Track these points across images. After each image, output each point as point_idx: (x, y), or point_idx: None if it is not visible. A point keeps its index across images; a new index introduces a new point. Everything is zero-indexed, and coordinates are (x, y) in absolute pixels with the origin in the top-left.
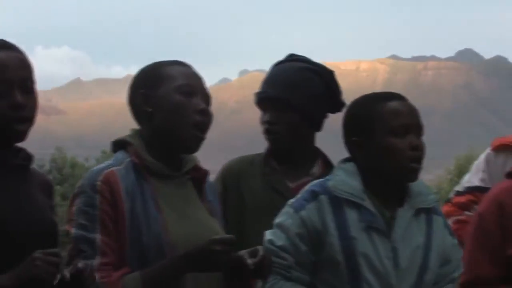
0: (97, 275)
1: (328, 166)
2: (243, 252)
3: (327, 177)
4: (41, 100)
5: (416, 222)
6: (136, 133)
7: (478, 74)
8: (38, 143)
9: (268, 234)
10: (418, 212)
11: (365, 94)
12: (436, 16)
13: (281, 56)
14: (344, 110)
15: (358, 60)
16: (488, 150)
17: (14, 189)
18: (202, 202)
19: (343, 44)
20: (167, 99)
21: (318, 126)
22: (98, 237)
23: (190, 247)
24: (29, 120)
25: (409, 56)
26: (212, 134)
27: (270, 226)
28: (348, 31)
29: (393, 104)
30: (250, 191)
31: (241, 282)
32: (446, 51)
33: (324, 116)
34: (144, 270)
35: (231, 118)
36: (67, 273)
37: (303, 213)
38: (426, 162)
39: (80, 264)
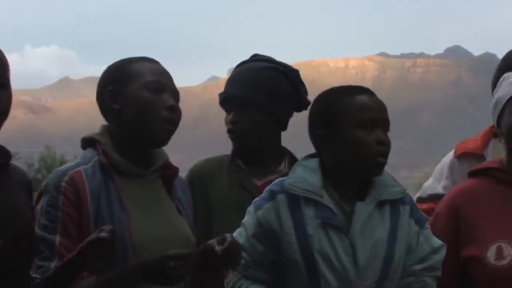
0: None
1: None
2: (211, 241)
3: (287, 176)
4: (30, 99)
5: (380, 215)
6: (104, 130)
7: (467, 71)
8: (27, 141)
9: (235, 233)
10: (382, 204)
11: (332, 87)
12: (425, 13)
13: (269, 53)
14: (311, 102)
15: (347, 58)
16: (451, 155)
17: None
18: (171, 200)
19: (332, 41)
20: (135, 96)
21: (283, 125)
22: (57, 239)
23: (155, 251)
24: (3, 114)
25: (398, 53)
26: (201, 131)
27: (237, 224)
28: (337, 29)
29: (362, 97)
30: (216, 190)
31: (211, 272)
32: (435, 48)
33: (289, 115)
34: (100, 276)
35: (220, 115)
36: None
37: (259, 213)
38: (415, 159)
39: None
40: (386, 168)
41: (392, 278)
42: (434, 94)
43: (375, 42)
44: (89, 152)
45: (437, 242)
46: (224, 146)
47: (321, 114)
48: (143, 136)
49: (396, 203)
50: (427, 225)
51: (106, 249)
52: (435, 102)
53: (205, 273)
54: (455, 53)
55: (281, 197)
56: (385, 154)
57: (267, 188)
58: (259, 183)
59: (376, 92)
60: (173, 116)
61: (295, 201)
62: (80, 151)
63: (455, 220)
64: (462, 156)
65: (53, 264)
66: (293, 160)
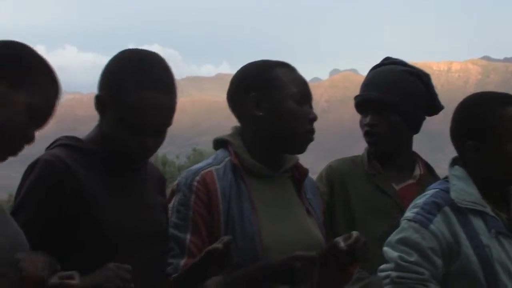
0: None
1: (428, 168)
2: (337, 238)
3: (441, 187)
4: None
5: None
6: (236, 131)
7: None
8: None
9: (392, 252)
10: None
11: (477, 94)
12: None
13: (371, 57)
14: (456, 109)
15: (449, 61)
16: None
17: (127, 191)
18: (301, 201)
19: (435, 44)
20: (282, 106)
21: (417, 128)
22: (188, 237)
23: (283, 251)
24: (147, 158)
25: (501, 57)
26: None
27: (376, 228)
28: (440, 32)
29: None
30: (356, 192)
31: (337, 270)
32: None
33: (423, 119)
34: (228, 275)
35: (322, 117)
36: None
37: (432, 227)
38: None
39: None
40: None
41: None
42: None
43: (479, 46)
44: (221, 152)
45: None
46: (325, 148)
47: (470, 123)
48: (284, 145)
49: None
50: None
51: (221, 259)
52: None
53: (332, 271)
54: None
55: (447, 210)
56: None
57: (426, 201)
58: (397, 187)
59: None
60: (313, 127)
61: (461, 213)
62: (182, 151)
63: None
64: None
65: (182, 262)
66: (425, 164)
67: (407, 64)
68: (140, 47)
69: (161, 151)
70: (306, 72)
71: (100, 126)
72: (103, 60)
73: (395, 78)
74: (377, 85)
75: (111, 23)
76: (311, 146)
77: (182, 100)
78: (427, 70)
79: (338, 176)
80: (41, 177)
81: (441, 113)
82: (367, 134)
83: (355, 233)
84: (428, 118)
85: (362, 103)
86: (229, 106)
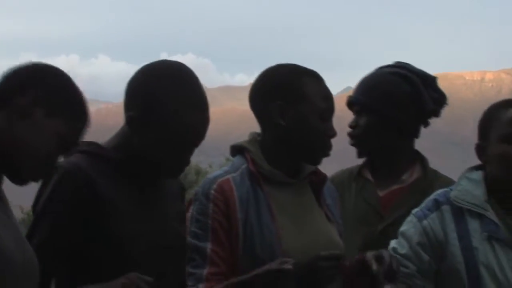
0: (201, 285)
1: (424, 172)
2: (369, 254)
3: (451, 187)
4: None
5: None
6: (254, 138)
7: None
8: None
9: (392, 243)
10: None
11: (496, 102)
12: None
13: None
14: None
15: (483, 71)
16: None
17: (147, 200)
18: (320, 207)
19: (468, 54)
20: (307, 120)
21: (407, 131)
22: (208, 246)
23: (304, 258)
24: (181, 172)
25: None
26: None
27: (356, 237)
28: (473, 41)
29: None
30: (346, 203)
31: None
32: None
33: (415, 121)
34: (243, 276)
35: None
36: None
37: (425, 222)
38: None
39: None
40: None
41: None
42: None
43: None
44: (238, 159)
45: None
46: (355, 157)
47: (479, 126)
48: (304, 157)
49: None
50: None
51: (282, 280)
52: None
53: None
54: None
55: (446, 208)
56: None
57: (431, 197)
58: (381, 193)
59: None
60: (331, 143)
61: (459, 213)
62: (214, 160)
63: None
64: None
65: (205, 272)
66: (423, 168)
67: (403, 66)
68: (173, 57)
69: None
70: (339, 81)
71: (122, 135)
72: (136, 69)
73: (377, 80)
74: (360, 88)
75: (144, 32)
76: (341, 155)
77: (214, 109)
78: (460, 80)
79: (337, 186)
80: (60, 190)
81: (472, 122)
82: (348, 136)
83: (386, 256)
84: (461, 128)
85: (347, 106)
86: (251, 108)
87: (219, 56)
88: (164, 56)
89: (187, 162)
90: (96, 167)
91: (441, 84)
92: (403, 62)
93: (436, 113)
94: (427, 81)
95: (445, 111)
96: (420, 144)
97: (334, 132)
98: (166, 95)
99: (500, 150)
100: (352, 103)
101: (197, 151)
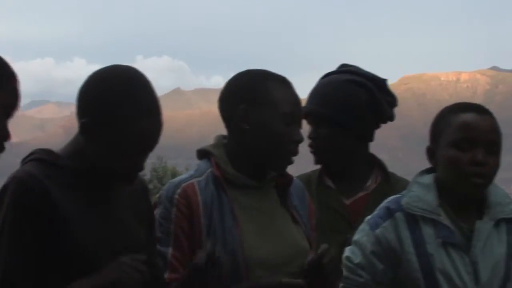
0: None
1: (385, 176)
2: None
3: (403, 193)
4: None
5: (497, 234)
6: (219, 141)
7: None
8: None
9: (346, 251)
10: (498, 222)
11: (448, 106)
12: None
13: (378, 66)
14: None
15: (458, 71)
16: None
17: (103, 206)
18: (286, 210)
19: (443, 55)
20: (269, 124)
21: (365, 137)
22: (169, 251)
23: (267, 265)
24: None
25: (510, 67)
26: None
27: (333, 246)
28: (448, 42)
29: (465, 116)
30: None
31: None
32: None
33: (372, 126)
34: None
35: None
36: None
37: (378, 231)
38: None
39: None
40: (498, 183)
41: None
42: None
43: (487, 56)
44: (203, 164)
45: None
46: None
47: (431, 129)
48: (265, 162)
49: (510, 221)
50: None
51: (202, 274)
52: None
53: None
54: None
55: (399, 215)
56: (480, 175)
57: (382, 205)
58: (347, 201)
59: (487, 107)
60: (297, 149)
61: (413, 220)
62: (190, 162)
63: None
64: None
65: (166, 276)
66: (383, 171)
67: (356, 72)
68: (149, 59)
69: (170, 163)
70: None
71: (76, 142)
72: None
73: (332, 90)
74: (315, 97)
75: (119, 35)
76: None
77: (190, 112)
78: (435, 81)
79: None
80: (16, 201)
81: None
82: (309, 147)
83: (323, 246)
84: None
85: (304, 116)
86: (219, 111)
87: (194, 59)
88: (140, 58)
89: (141, 167)
90: (51, 175)
91: (416, 85)
92: (351, 65)
93: (392, 118)
94: (381, 86)
95: (421, 112)
96: (397, 144)
97: (300, 137)
98: (117, 100)
99: (449, 154)
100: (308, 114)
101: (174, 154)
